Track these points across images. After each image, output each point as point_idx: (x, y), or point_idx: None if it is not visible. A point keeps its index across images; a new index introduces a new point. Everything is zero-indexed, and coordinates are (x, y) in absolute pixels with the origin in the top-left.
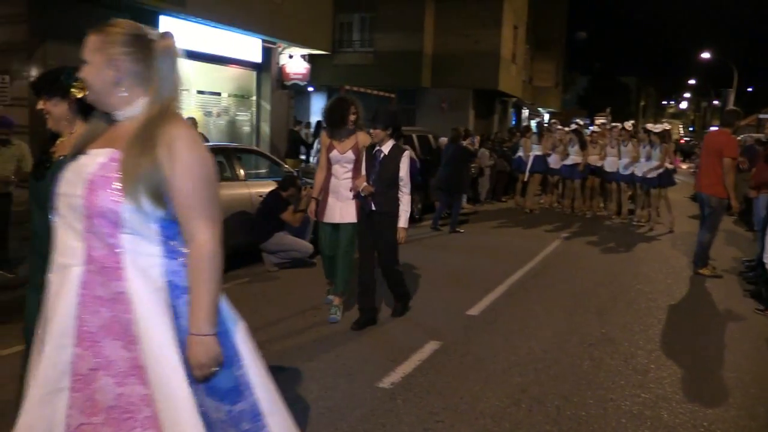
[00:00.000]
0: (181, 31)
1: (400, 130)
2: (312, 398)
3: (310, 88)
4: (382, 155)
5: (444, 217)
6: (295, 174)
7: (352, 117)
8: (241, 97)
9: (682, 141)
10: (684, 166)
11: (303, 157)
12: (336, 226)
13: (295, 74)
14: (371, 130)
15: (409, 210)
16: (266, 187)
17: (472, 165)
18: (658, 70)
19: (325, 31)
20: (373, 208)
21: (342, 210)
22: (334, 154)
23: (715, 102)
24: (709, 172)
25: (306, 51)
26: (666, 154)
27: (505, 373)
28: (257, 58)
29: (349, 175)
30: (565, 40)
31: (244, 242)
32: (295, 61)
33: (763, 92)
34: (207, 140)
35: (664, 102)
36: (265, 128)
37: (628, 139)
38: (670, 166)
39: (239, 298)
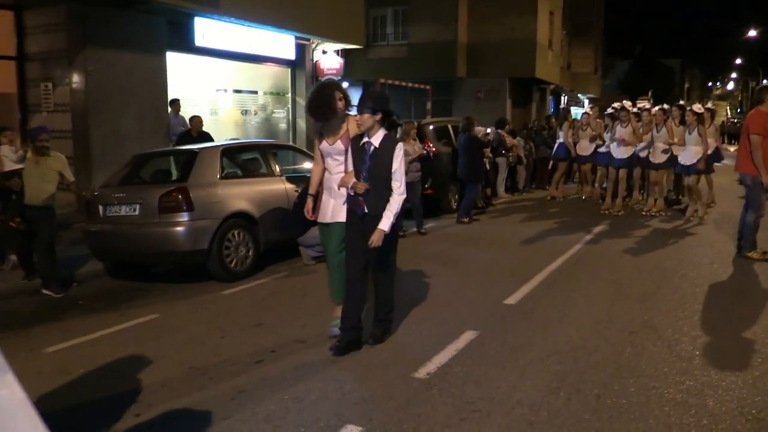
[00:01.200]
0: (216, 31)
1: (392, 117)
2: (347, 389)
3: (345, 83)
4: (372, 148)
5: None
6: None
7: (340, 103)
8: (276, 95)
9: (728, 123)
10: (731, 149)
11: None
12: (328, 225)
13: (329, 69)
14: (357, 117)
15: (396, 212)
16: (302, 183)
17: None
18: (702, 50)
19: (358, 26)
20: (366, 210)
21: (334, 208)
22: (324, 146)
23: (765, 81)
24: (743, 151)
25: (339, 46)
26: (703, 137)
27: (543, 361)
28: (291, 55)
29: (342, 168)
30: (604, 23)
31: (281, 237)
32: (328, 57)
33: None
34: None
35: (710, 84)
36: (301, 124)
37: (662, 123)
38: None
39: (277, 292)
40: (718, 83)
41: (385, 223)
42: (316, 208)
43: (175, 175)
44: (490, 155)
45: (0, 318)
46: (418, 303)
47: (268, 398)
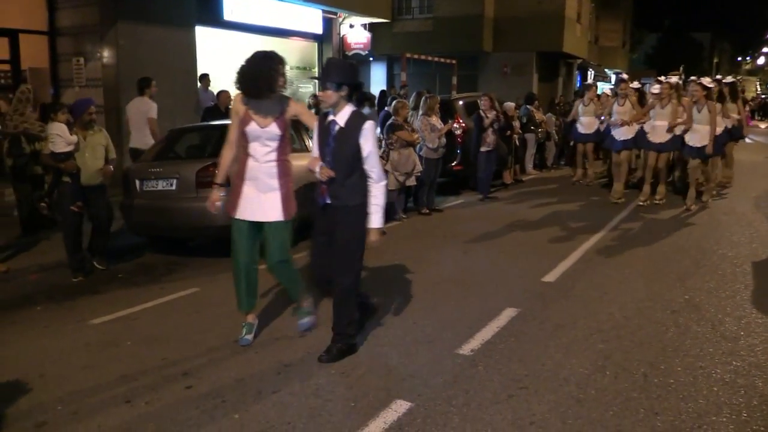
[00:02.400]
0: (244, 5)
1: (362, 91)
2: (393, 364)
3: (370, 58)
4: (336, 128)
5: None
6: None
7: (281, 80)
8: (303, 69)
9: (758, 99)
10: (762, 125)
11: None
12: (256, 225)
13: (356, 44)
14: (319, 93)
15: (382, 203)
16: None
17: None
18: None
19: None
20: (328, 200)
21: (265, 203)
22: (253, 128)
23: None
24: None
25: (366, 20)
26: (712, 114)
27: (587, 339)
28: (318, 29)
29: (274, 156)
30: None
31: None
32: (355, 31)
33: None
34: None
35: (740, 58)
36: None
37: (668, 99)
38: (717, 130)
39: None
40: (748, 57)
41: (377, 219)
42: (232, 201)
43: (210, 149)
44: (519, 131)
45: (44, 291)
46: (457, 280)
47: (315, 372)
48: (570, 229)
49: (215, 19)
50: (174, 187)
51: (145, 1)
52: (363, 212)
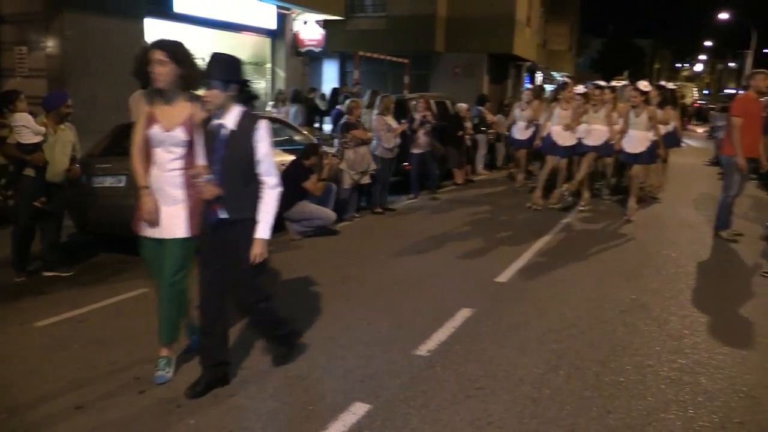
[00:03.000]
0: None
1: (249, 90)
2: (350, 366)
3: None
4: (226, 132)
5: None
6: (317, 142)
7: (161, 68)
8: (255, 65)
9: (696, 104)
10: (699, 130)
11: (317, 125)
12: (160, 242)
13: (309, 41)
14: (203, 93)
15: (273, 211)
16: (289, 156)
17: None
18: (673, 31)
19: None
20: (222, 215)
21: (168, 218)
22: (156, 131)
23: (731, 64)
24: (725, 133)
25: (320, 16)
26: (652, 121)
27: (540, 339)
28: (272, 24)
29: (179, 164)
30: (579, 2)
31: None
32: (309, 27)
33: None
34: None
35: (679, 65)
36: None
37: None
38: (652, 136)
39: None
40: (686, 64)
41: (264, 229)
42: (137, 216)
43: None
44: (471, 132)
45: None
46: (411, 280)
47: (272, 375)
48: (520, 230)
49: (165, 12)
50: (123, 184)
51: None
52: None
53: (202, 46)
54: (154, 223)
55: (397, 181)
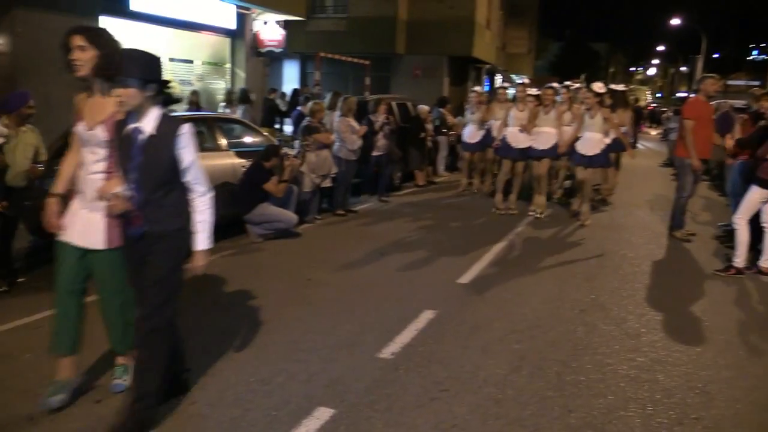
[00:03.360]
0: None
1: (170, 91)
2: (314, 370)
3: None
4: (143, 136)
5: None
6: (278, 143)
7: (81, 54)
8: (215, 65)
9: (650, 107)
10: (653, 132)
11: (278, 126)
12: (80, 249)
13: (270, 41)
14: (119, 92)
15: (210, 219)
16: (250, 157)
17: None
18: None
19: None
20: (143, 228)
21: (89, 226)
22: (80, 129)
23: (683, 68)
24: (679, 135)
25: (280, 17)
26: (609, 122)
27: (502, 340)
28: (231, 24)
29: (102, 167)
30: (538, 6)
31: (228, 214)
32: (269, 28)
33: (731, 58)
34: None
35: (633, 68)
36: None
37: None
38: (606, 140)
39: (225, 270)
40: (640, 68)
41: (203, 239)
42: (65, 217)
43: None
44: (432, 134)
45: None
46: (374, 282)
47: (233, 381)
48: (481, 233)
49: (121, 9)
50: None
51: None
52: (185, 237)
53: (158, 45)
54: (68, 229)
55: (358, 183)
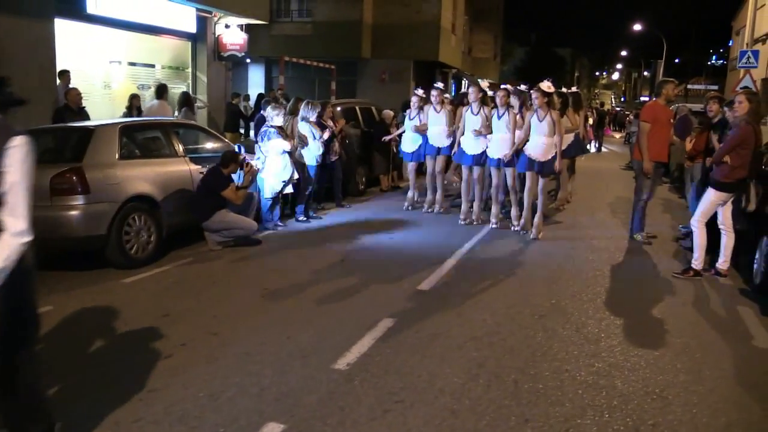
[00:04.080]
0: None
1: (6, 93)
2: (265, 384)
3: (248, 60)
4: None
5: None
6: (237, 149)
7: None
8: (176, 69)
9: (613, 111)
10: (617, 136)
11: (242, 131)
12: None
13: (232, 45)
14: None
15: (9, 261)
16: (207, 163)
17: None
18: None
19: (262, 0)
20: None
21: None
22: None
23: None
24: (636, 138)
25: (242, 20)
26: (557, 126)
27: (461, 348)
28: (191, 27)
29: None
30: (503, 11)
31: (186, 221)
32: (231, 32)
33: (691, 63)
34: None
35: (597, 73)
36: (203, 100)
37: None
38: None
39: (182, 280)
40: (604, 73)
41: None
42: None
43: (68, 154)
44: (397, 138)
45: None
46: (334, 290)
47: (181, 396)
48: (444, 238)
49: (77, 12)
50: None
51: None
52: (17, 274)
53: (117, 48)
54: None
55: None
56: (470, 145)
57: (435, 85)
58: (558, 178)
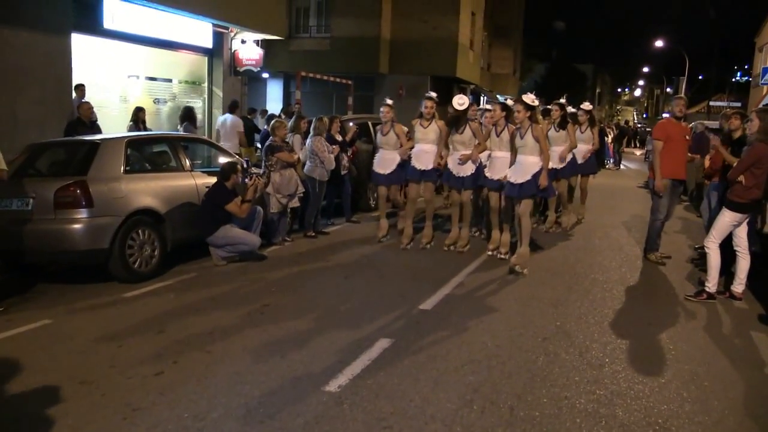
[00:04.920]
0: (127, 14)
1: None
2: (253, 405)
3: (265, 75)
4: None
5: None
6: (242, 161)
7: None
8: (192, 84)
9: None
10: (638, 153)
11: (258, 145)
12: None
13: (248, 60)
14: None
15: None
16: (214, 178)
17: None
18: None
19: (279, 16)
20: None
21: None
22: None
23: (668, 89)
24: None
25: (259, 36)
26: (542, 143)
27: (458, 371)
28: (208, 43)
29: None
30: (523, 27)
31: (190, 235)
32: (248, 47)
33: (715, 79)
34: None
35: (619, 89)
36: (218, 115)
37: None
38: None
39: (180, 296)
40: (626, 89)
41: None
42: None
43: (75, 167)
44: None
45: None
46: (333, 307)
47: (165, 417)
48: (450, 256)
49: (94, 27)
50: (30, 207)
51: (14, 3)
52: None
53: (134, 63)
54: None
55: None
56: (458, 166)
57: (427, 94)
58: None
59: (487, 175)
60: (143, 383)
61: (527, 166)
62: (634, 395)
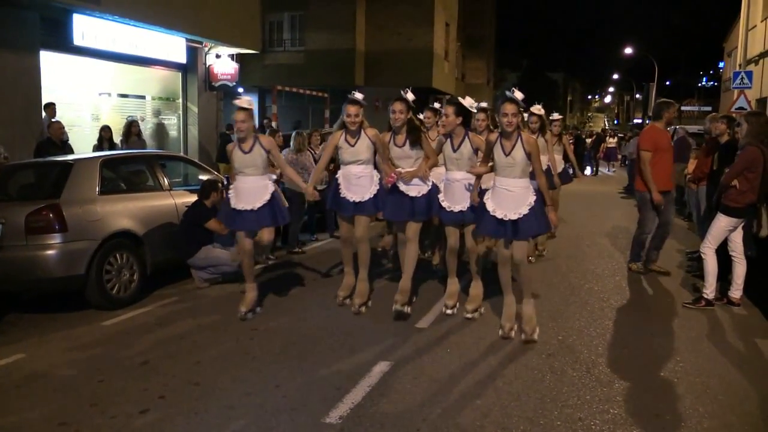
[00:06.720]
0: (98, 30)
1: None
2: None
3: (240, 89)
4: None
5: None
6: (220, 178)
7: None
8: (166, 100)
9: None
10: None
11: None
12: None
13: (223, 75)
14: None
15: None
16: (194, 197)
17: None
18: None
19: (253, 30)
20: None
21: None
22: None
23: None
24: (637, 168)
25: (234, 50)
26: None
27: (464, 395)
28: (182, 58)
29: None
30: (494, 37)
31: (171, 258)
32: (222, 61)
33: (683, 85)
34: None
35: (589, 96)
36: (194, 132)
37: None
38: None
39: (166, 321)
40: (596, 96)
41: None
42: None
43: (46, 190)
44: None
45: None
46: (326, 330)
47: None
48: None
49: (64, 44)
50: None
51: None
52: None
53: (106, 80)
54: None
55: (319, 218)
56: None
57: (350, 95)
58: None
59: (443, 204)
60: (128, 423)
61: (518, 193)
62: (649, 414)
